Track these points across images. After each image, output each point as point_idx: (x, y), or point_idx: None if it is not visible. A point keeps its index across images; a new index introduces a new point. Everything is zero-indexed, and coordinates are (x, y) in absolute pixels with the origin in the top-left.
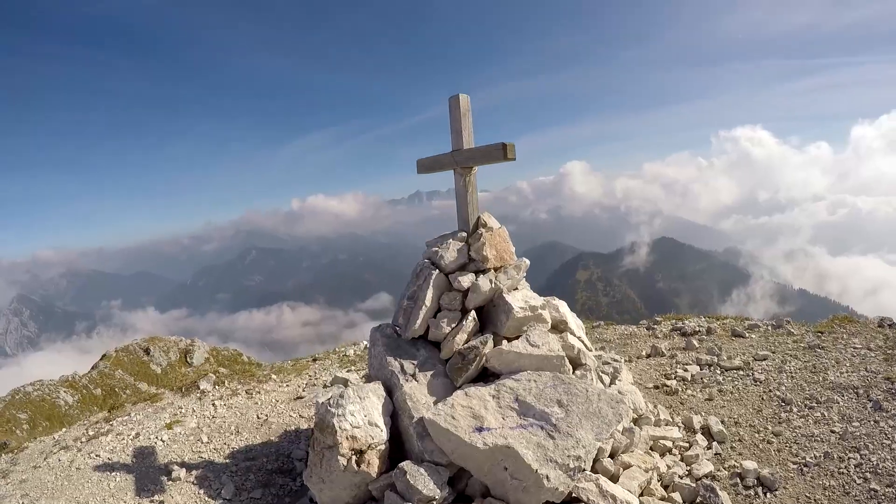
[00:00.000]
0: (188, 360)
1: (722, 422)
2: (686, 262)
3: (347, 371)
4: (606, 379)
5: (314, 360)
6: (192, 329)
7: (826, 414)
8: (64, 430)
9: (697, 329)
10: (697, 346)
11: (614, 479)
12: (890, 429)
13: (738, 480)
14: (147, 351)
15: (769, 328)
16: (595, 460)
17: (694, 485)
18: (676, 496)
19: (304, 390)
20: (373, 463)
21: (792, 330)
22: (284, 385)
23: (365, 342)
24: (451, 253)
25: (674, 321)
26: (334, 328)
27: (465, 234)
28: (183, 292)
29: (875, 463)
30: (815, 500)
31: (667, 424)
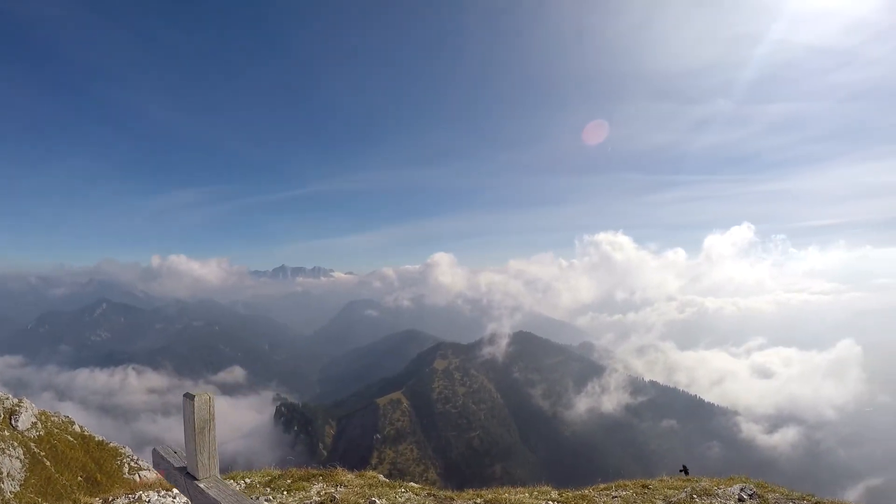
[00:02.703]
0: (13, 422)
1: None
2: (543, 354)
3: None
4: None
5: None
6: (25, 381)
7: None
8: None
9: None
10: None
11: None
12: None
13: None
14: None
15: None
16: None
17: None
18: None
19: None
20: None
21: None
22: None
23: None
24: None
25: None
26: (181, 399)
27: None
28: (22, 336)
29: None
30: None
31: None
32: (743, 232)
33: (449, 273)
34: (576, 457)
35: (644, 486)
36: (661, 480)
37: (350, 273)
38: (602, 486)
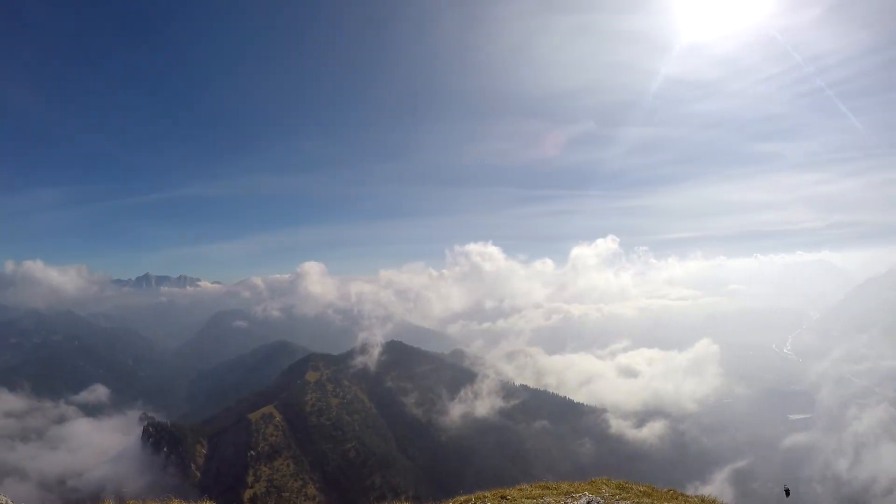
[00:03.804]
0: None
1: None
2: (415, 363)
3: None
4: None
5: None
6: None
7: None
8: None
9: None
10: None
11: None
12: None
13: None
14: None
15: None
16: None
17: None
18: None
19: None
20: None
21: None
22: None
23: None
24: None
25: None
26: (42, 422)
27: None
28: None
29: None
30: None
31: None
32: (608, 243)
33: (319, 283)
34: (454, 462)
35: (503, 497)
36: (521, 489)
37: (217, 282)
38: (462, 498)
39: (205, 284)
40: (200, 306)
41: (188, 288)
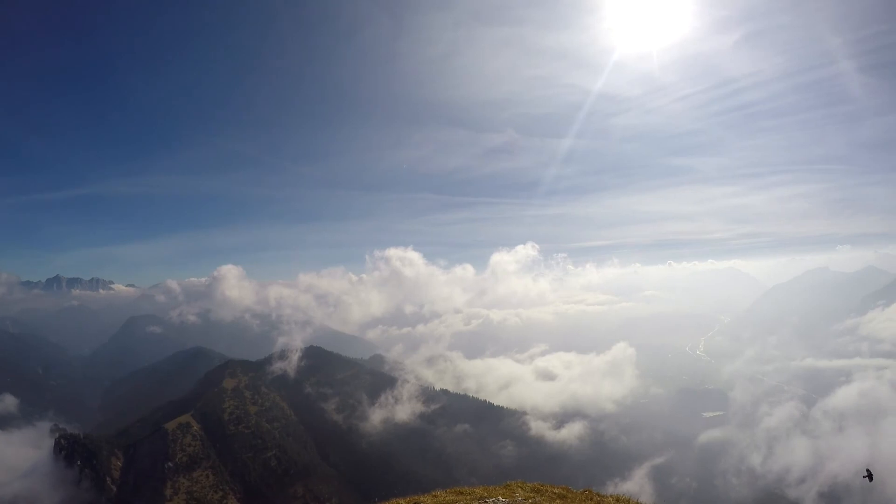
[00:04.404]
0: None
1: None
2: (335, 369)
3: None
4: None
5: None
6: None
7: None
8: None
9: None
10: None
11: None
12: None
13: None
14: None
15: None
16: None
17: None
18: None
19: None
20: None
21: None
22: None
23: None
24: None
25: None
26: None
27: None
28: None
29: None
30: None
31: None
32: (527, 250)
33: (237, 286)
34: (376, 468)
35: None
36: (434, 496)
37: (131, 285)
38: None
39: (118, 287)
40: (114, 310)
41: (101, 291)
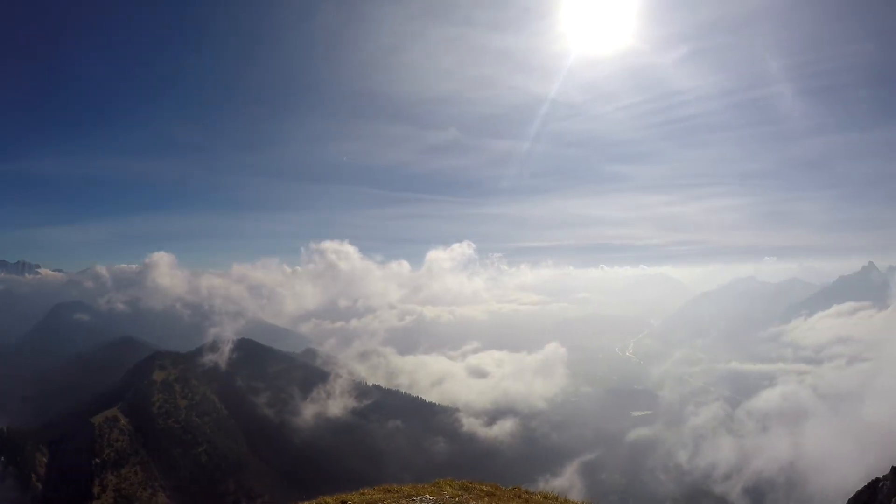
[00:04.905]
0: None
1: None
2: (267, 362)
3: None
4: None
5: None
6: None
7: None
8: None
9: None
10: None
11: None
12: None
13: None
14: None
15: None
16: None
17: None
18: None
19: None
20: None
21: None
22: None
23: None
24: None
25: None
26: None
27: None
28: None
29: None
30: None
31: None
32: (463, 248)
33: (169, 275)
34: (308, 463)
35: (343, 502)
36: (362, 494)
37: (59, 270)
38: None
39: (45, 272)
40: (40, 296)
41: (27, 275)
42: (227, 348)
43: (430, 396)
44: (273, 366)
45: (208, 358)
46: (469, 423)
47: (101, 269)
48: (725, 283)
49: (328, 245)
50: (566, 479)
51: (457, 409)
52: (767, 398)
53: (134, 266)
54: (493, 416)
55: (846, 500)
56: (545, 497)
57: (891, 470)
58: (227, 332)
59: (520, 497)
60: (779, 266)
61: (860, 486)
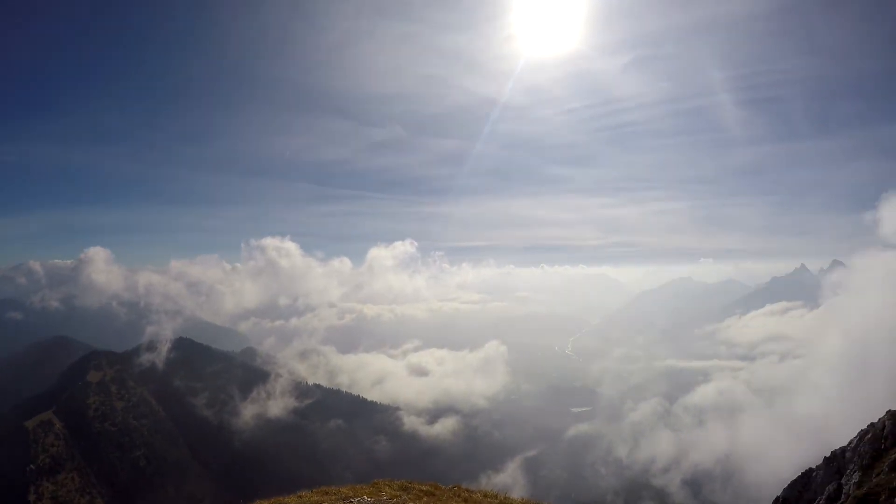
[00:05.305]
0: None
1: None
2: (205, 362)
3: None
4: None
5: None
6: None
7: None
8: None
9: None
10: None
11: None
12: None
13: None
14: None
15: None
16: None
17: None
18: None
19: None
20: None
21: None
22: None
23: None
24: None
25: None
26: None
27: None
28: None
29: None
30: None
31: None
32: (405, 246)
33: (105, 271)
34: (249, 465)
35: None
36: (300, 496)
37: None
38: None
39: None
40: None
41: None
42: (164, 348)
43: (372, 395)
44: (212, 366)
45: (145, 358)
46: (411, 422)
47: (34, 265)
48: (663, 284)
49: (269, 242)
50: (509, 476)
51: (398, 408)
52: (704, 394)
53: (68, 262)
54: (434, 414)
55: (781, 490)
56: (485, 495)
57: (823, 460)
58: (164, 331)
59: (459, 496)
60: (715, 268)
61: (794, 476)
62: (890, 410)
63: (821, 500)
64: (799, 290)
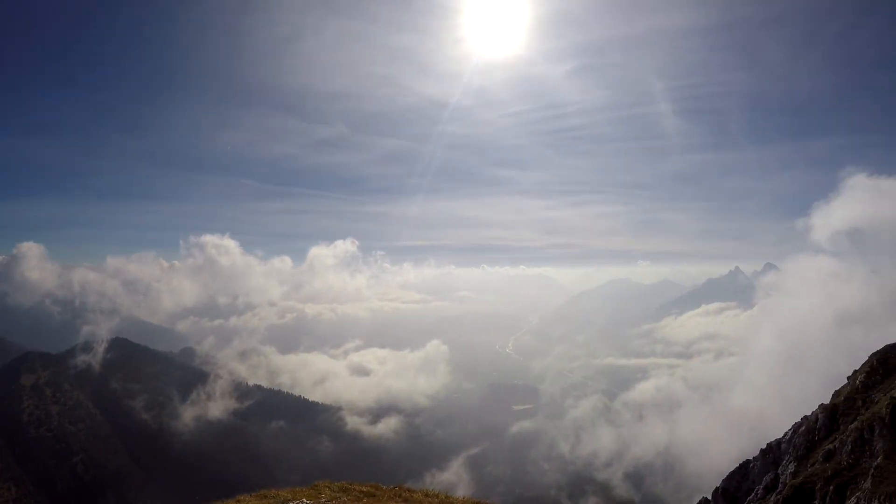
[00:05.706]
0: None
1: None
2: (142, 363)
3: None
4: None
5: None
6: None
7: None
8: None
9: None
10: None
11: None
12: None
13: None
14: None
15: None
16: None
17: None
18: None
19: None
20: None
21: None
22: None
23: None
24: None
25: None
26: None
27: None
28: None
29: None
30: None
31: None
32: (347, 245)
33: (38, 268)
34: (191, 470)
35: None
36: (238, 500)
37: None
38: None
39: None
40: None
41: None
42: (101, 349)
43: (313, 396)
44: (150, 367)
45: (81, 359)
46: (353, 422)
47: None
48: (602, 284)
49: (208, 239)
50: (453, 474)
51: (340, 408)
52: (642, 390)
53: (1, 257)
54: (376, 414)
55: (720, 481)
56: (426, 495)
57: (759, 452)
58: (100, 331)
59: (400, 496)
60: (652, 269)
61: (732, 468)
62: (822, 404)
63: (758, 489)
64: (733, 291)
